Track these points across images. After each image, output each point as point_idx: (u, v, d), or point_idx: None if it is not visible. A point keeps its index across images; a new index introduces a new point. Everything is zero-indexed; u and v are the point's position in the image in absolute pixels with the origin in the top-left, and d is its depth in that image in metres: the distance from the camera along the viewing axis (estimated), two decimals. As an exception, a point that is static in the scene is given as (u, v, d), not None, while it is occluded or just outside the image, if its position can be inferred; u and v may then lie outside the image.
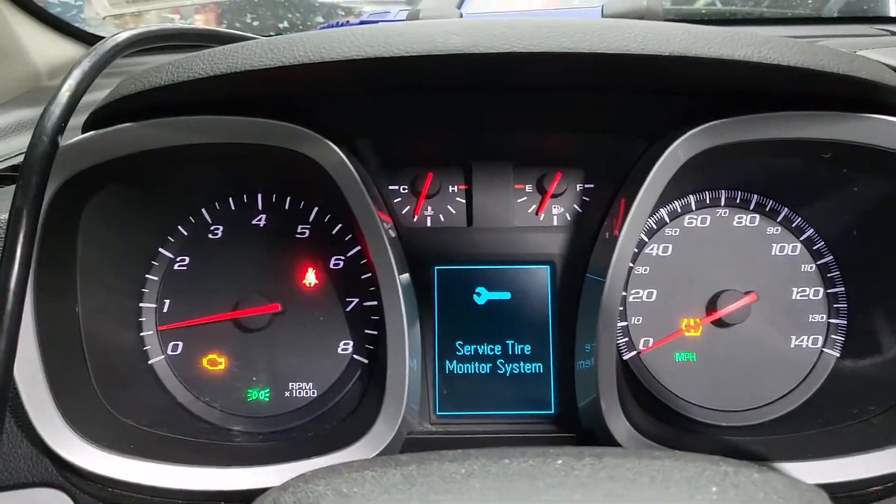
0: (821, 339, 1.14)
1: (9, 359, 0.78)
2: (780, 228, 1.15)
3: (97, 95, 0.95)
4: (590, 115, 1.08)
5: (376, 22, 1.30)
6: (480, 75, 0.93)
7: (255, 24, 2.21)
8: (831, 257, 1.14)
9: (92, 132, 0.94)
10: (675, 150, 0.95)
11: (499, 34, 0.79)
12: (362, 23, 1.31)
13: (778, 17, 2.09)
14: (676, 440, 1.04)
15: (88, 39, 1.82)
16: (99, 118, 0.94)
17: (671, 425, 1.10)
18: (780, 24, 1.94)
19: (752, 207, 1.15)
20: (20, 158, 1.28)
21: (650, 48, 0.79)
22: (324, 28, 1.36)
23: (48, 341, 0.94)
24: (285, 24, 2.29)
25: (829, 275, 1.14)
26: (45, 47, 1.69)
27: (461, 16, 1.18)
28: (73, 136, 0.93)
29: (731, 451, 1.04)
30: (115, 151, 0.94)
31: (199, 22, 2.50)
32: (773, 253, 1.15)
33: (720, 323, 1.13)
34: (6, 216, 1.01)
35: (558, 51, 0.78)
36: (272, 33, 2.06)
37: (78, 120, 0.89)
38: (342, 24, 1.35)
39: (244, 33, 1.21)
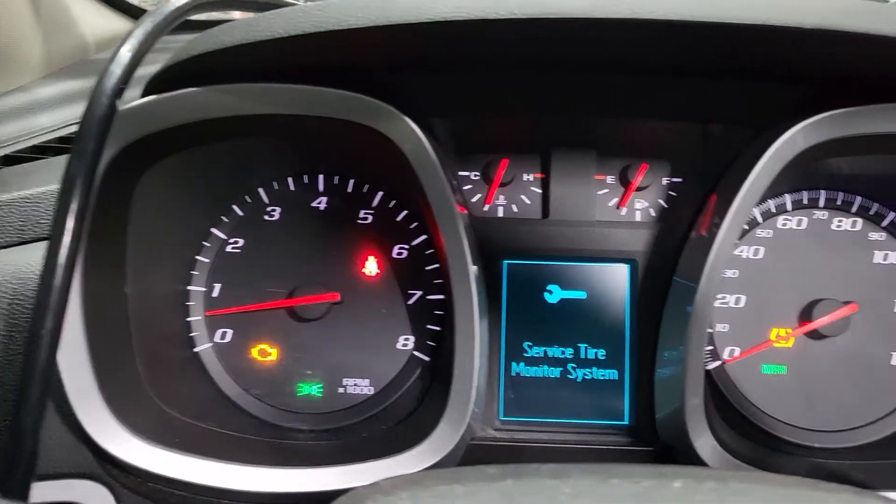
0: (927, 357, 1.04)
1: (54, 338, 0.71)
2: (884, 234, 1.05)
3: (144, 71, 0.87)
4: (684, 101, 0.99)
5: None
6: (576, 48, 0.84)
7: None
8: (941, 268, 1.04)
9: (154, 96, 0.86)
10: (792, 137, 0.86)
11: (619, -2, 0.70)
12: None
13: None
14: (764, 460, 0.95)
15: (137, 15, 1.76)
16: (161, 82, 0.86)
17: (758, 443, 1.01)
18: None
19: (854, 210, 1.05)
20: (68, 130, 1.23)
21: (793, 20, 0.70)
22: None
23: (94, 322, 0.87)
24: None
25: (938, 287, 1.04)
26: (95, 20, 1.64)
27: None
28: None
29: (826, 476, 0.95)
30: (178, 118, 0.86)
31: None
32: (875, 261, 1.05)
33: (815, 334, 1.04)
34: (55, 188, 0.96)
35: (691, 19, 0.69)
36: None
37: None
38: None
39: None
